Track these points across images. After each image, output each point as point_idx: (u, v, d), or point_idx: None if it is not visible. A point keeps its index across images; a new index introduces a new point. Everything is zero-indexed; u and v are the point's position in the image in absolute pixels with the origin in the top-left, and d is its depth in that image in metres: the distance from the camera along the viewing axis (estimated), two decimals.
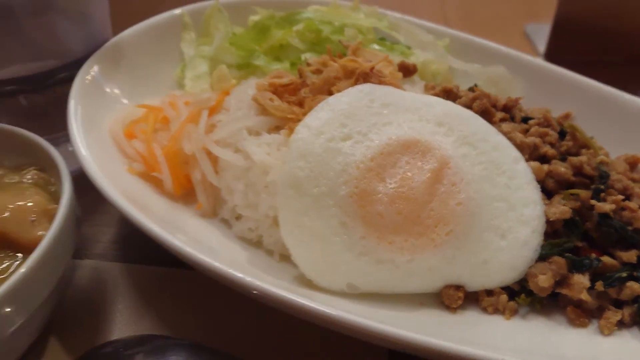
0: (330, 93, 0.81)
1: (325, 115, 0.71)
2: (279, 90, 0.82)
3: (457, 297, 0.69)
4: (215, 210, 0.81)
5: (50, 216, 0.69)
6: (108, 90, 0.89)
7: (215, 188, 0.79)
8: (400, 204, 0.66)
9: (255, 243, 0.77)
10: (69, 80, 0.88)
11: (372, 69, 0.78)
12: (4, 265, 0.64)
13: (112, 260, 0.81)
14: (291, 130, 0.75)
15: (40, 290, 0.63)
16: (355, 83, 0.78)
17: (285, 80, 0.83)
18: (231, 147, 0.79)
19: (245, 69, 0.93)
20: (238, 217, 0.78)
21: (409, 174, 0.67)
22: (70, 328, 0.73)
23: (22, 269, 0.59)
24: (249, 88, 0.86)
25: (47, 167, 0.79)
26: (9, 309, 0.59)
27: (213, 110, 0.85)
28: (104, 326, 0.74)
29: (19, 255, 0.66)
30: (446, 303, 0.69)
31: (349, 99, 0.73)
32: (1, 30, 0.82)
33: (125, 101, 0.91)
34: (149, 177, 0.80)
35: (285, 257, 0.75)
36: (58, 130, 0.94)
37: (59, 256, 0.65)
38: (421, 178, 0.67)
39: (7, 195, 0.70)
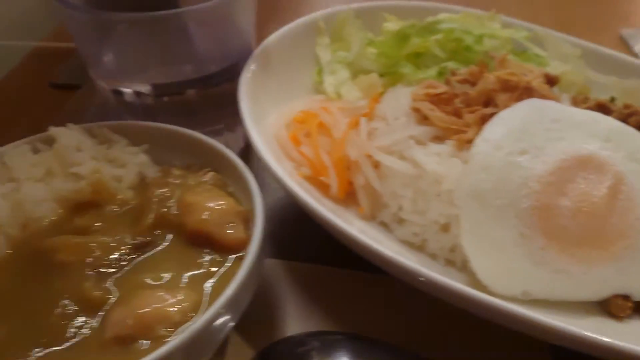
0: (486, 105, 0.84)
1: (501, 130, 0.75)
2: (433, 101, 0.86)
3: (626, 307, 0.72)
4: (374, 213, 0.85)
5: (242, 218, 0.74)
6: (262, 94, 0.94)
7: (376, 193, 0.84)
8: (582, 219, 0.69)
9: (417, 247, 0.81)
10: (224, 82, 0.94)
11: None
12: (210, 268, 0.69)
13: (278, 258, 0.86)
14: (460, 142, 0.78)
15: (250, 292, 0.67)
16: (520, 97, 0.81)
17: (439, 91, 0.86)
18: (394, 155, 0.82)
19: (388, 76, 0.97)
20: (400, 222, 0.82)
21: (587, 189, 0.71)
22: (248, 325, 0.78)
23: (241, 274, 0.63)
24: (401, 96, 0.89)
25: (219, 168, 0.84)
26: (228, 316, 0.63)
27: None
28: (279, 323, 0.79)
29: (215, 255, 0.71)
30: (613, 312, 0.73)
31: (521, 113, 0.76)
32: (176, 40, 0.87)
33: (273, 104, 0.96)
34: (314, 180, 0.84)
35: (449, 262, 0.79)
36: (207, 126, 1.00)
37: (261, 257, 0.70)
38: (600, 193, 0.70)
39: (201, 197, 0.74)
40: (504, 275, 0.72)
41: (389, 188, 0.82)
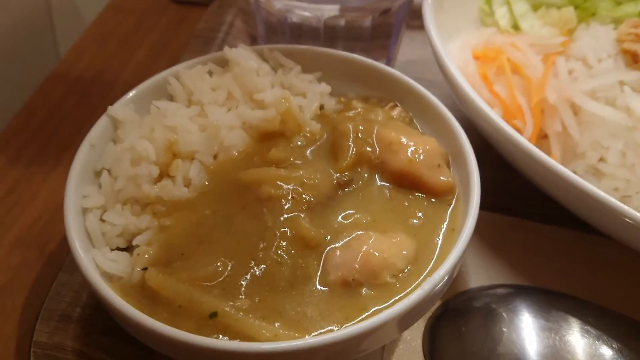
0: None
1: None
2: None
3: None
4: (565, 163, 0.78)
5: (446, 160, 0.69)
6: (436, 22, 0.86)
7: (571, 141, 0.77)
8: None
9: None
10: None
11: None
12: (420, 214, 0.64)
13: None
14: None
15: (467, 250, 0.60)
16: None
17: None
18: (599, 101, 0.75)
19: (578, 11, 0.87)
20: (597, 174, 0.76)
21: None
22: None
23: (466, 231, 0.58)
24: (601, 35, 0.80)
25: (402, 103, 0.77)
26: (449, 276, 0.57)
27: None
28: (463, 273, 0.75)
29: (424, 199, 0.66)
30: None
31: None
32: None
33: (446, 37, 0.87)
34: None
35: None
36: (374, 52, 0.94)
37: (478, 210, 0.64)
38: None
39: (401, 134, 0.68)
40: None
41: (589, 137, 0.75)
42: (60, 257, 0.77)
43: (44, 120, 1.00)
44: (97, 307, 0.68)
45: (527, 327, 0.69)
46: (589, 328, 0.69)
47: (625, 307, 0.71)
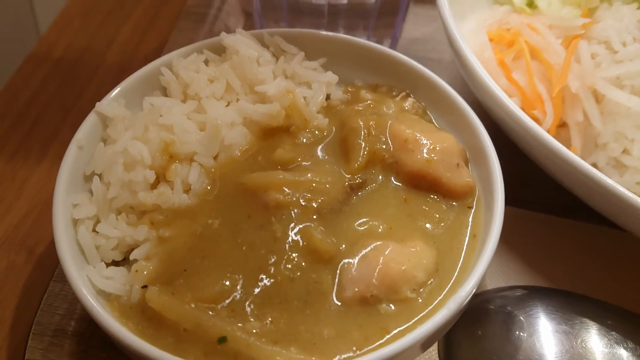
0: None
1: None
2: None
3: None
4: (585, 155, 0.74)
5: (464, 157, 0.64)
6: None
7: (593, 131, 0.72)
8: None
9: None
10: None
11: None
12: (438, 219, 0.60)
13: None
14: None
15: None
16: None
17: None
18: (625, 90, 0.70)
19: None
20: (619, 167, 0.72)
21: None
22: None
23: (491, 242, 0.54)
24: (625, 16, 0.75)
25: (414, 91, 0.72)
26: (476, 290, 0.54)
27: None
28: None
29: (442, 202, 0.62)
30: None
31: None
32: None
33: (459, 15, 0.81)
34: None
35: None
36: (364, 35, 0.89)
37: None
38: None
39: (415, 130, 0.64)
40: None
41: (612, 128, 0.71)
42: (51, 261, 0.72)
43: (26, 106, 0.93)
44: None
45: (545, 332, 0.65)
46: (611, 332, 0.66)
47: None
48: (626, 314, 0.68)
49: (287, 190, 0.58)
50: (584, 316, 0.67)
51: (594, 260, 0.73)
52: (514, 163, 0.75)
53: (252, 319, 0.51)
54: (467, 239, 0.58)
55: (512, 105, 0.66)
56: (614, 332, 0.66)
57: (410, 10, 0.96)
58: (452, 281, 0.54)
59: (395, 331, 0.51)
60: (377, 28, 0.92)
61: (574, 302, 0.70)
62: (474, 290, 0.52)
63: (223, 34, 0.71)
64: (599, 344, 0.64)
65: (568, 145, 0.73)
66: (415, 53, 0.96)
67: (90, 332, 0.64)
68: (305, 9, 0.90)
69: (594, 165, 0.74)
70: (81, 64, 1.00)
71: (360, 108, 0.68)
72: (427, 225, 0.59)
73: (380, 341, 0.50)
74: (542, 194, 0.78)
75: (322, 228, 0.56)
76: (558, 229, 0.75)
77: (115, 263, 0.58)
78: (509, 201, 0.75)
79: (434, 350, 0.66)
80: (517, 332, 0.66)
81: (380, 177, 0.62)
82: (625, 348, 0.64)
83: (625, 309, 0.68)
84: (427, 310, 0.52)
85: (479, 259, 0.53)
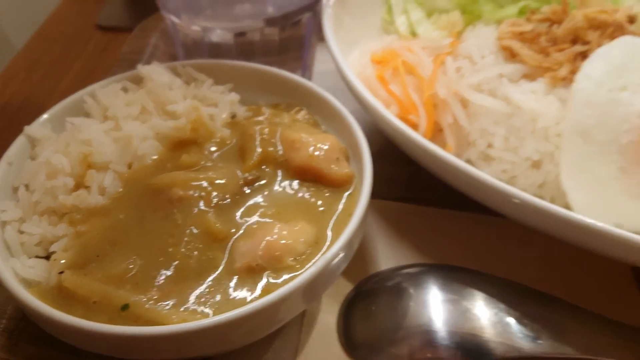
0: (573, 43, 0.84)
1: (601, 67, 0.75)
2: (519, 39, 0.85)
3: None
4: (460, 152, 0.86)
5: (345, 154, 0.75)
6: (338, 34, 0.93)
7: (463, 131, 0.84)
8: None
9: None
10: (289, 27, 0.95)
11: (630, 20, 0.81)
12: (320, 203, 0.70)
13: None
14: (554, 80, 0.79)
15: (363, 228, 0.68)
16: (612, 35, 0.81)
17: (525, 29, 0.86)
18: (484, 93, 0.83)
19: (466, 14, 0.96)
20: (487, 159, 0.83)
21: None
22: None
23: (357, 212, 0.64)
24: (484, 35, 0.89)
25: (308, 106, 0.84)
26: (345, 253, 0.63)
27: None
28: (373, 258, 0.81)
29: (324, 191, 0.72)
30: None
31: (619, 50, 0.77)
32: None
33: (348, 45, 0.95)
34: (402, 119, 0.84)
35: (538, 198, 0.81)
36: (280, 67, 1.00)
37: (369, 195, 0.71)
38: None
39: (303, 134, 0.75)
40: (600, 208, 0.74)
41: (478, 126, 0.83)
42: None
43: None
44: (23, 318, 0.71)
45: (435, 301, 0.74)
46: (489, 297, 0.75)
47: (521, 278, 0.78)
48: (502, 281, 0.77)
49: (188, 185, 0.68)
50: (471, 286, 0.76)
51: (474, 241, 0.83)
52: (407, 169, 0.88)
53: (153, 290, 0.59)
54: (342, 216, 0.68)
55: (386, 112, 0.77)
56: (492, 297, 0.75)
57: (324, 47, 1.09)
58: (324, 248, 0.64)
59: (277, 291, 0.59)
60: (287, 61, 1.04)
61: (464, 276, 0.78)
62: (344, 251, 0.61)
63: (139, 66, 0.82)
64: (480, 307, 0.73)
65: (445, 145, 0.85)
66: (328, 83, 1.07)
67: (20, 329, 0.70)
68: (224, 52, 1.01)
69: (469, 160, 0.86)
70: (24, 110, 1.10)
71: (258, 119, 0.79)
72: (311, 209, 0.69)
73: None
74: (430, 192, 0.89)
75: (217, 215, 0.66)
76: (444, 218, 0.86)
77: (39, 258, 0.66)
78: (404, 199, 0.87)
79: (334, 326, 0.74)
80: (407, 303, 0.74)
81: (272, 173, 0.73)
82: (501, 309, 0.73)
83: (507, 280, 0.76)
84: (302, 271, 0.61)
85: (347, 227, 0.62)
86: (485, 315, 0.73)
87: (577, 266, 0.79)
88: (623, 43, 0.78)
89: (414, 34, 0.98)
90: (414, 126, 0.85)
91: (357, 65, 0.90)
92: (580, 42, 0.84)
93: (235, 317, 0.55)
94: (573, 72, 0.79)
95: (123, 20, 1.33)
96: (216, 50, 1.01)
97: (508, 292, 0.76)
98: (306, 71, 1.09)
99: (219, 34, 0.96)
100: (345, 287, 0.78)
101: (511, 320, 0.72)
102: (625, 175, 0.73)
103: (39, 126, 0.75)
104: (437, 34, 0.93)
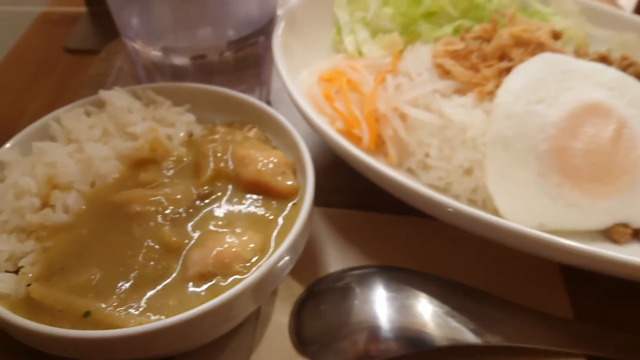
0: (500, 60, 0.93)
1: (520, 82, 0.84)
2: (452, 57, 0.94)
3: (626, 233, 0.83)
4: (402, 162, 0.94)
5: (291, 168, 0.82)
6: (289, 54, 1.00)
7: (403, 142, 0.92)
8: (592, 158, 0.79)
9: (442, 190, 0.90)
10: (247, 47, 1.01)
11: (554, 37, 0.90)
12: (268, 213, 0.77)
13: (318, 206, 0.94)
14: (481, 94, 0.87)
15: (306, 234, 0.75)
16: (533, 52, 0.89)
17: (458, 47, 0.94)
18: (420, 108, 0.91)
19: (406, 35, 1.04)
20: (426, 168, 0.91)
21: (595, 132, 0.80)
22: (296, 265, 0.86)
23: (300, 218, 0.71)
24: (421, 53, 0.97)
25: (260, 124, 0.91)
26: (289, 257, 0.70)
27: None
28: (322, 262, 0.88)
29: (272, 202, 0.79)
30: (615, 238, 0.84)
31: (537, 66, 0.85)
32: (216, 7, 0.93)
33: (299, 65, 1.02)
34: (346, 134, 0.92)
35: (472, 202, 0.89)
36: (239, 85, 1.07)
37: (313, 204, 0.78)
38: (606, 135, 0.80)
39: (252, 150, 0.82)
40: (523, 210, 0.82)
41: (415, 138, 0.91)
42: None
43: None
44: None
45: (377, 298, 0.81)
46: (427, 294, 0.82)
47: (455, 275, 0.85)
48: (443, 280, 0.84)
49: (145, 201, 0.74)
50: (411, 285, 0.83)
51: (416, 243, 0.90)
52: (352, 179, 0.94)
53: (113, 297, 0.66)
54: (287, 224, 0.74)
55: (328, 128, 0.84)
56: (431, 294, 0.82)
57: None
58: (269, 254, 0.71)
59: (225, 293, 0.66)
60: (245, 79, 1.11)
61: (405, 275, 0.84)
62: (288, 255, 0.68)
63: (101, 91, 0.89)
64: (420, 303, 0.79)
65: (387, 155, 0.93)
66: (286, 98, 1.13)
67: None
68: (184, 74, 1.08)
69: (409, 169, 0.93)
70: None
71: (213, 137, 0.86)
72: (259, 220, 0.76)
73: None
74: (379, 200, 0.96)
75: (172, 227, 0.73)
76: (387, 223, 0.93)
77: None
78: (351, 206, 0.94)
79: (286, 326, 0.81)
80: (353, 302, 0.81)
81: (224, 187, 0.79)
82: (439, 304, 0.80)
83: (443, 277, 0.83)
84: (248, 275, 0.68)
85: (290, 233, 0.70)
86: (423, 309, 0.80)
87: (507, 263, 0.87)
88: (542, 59, 0.87)
89: (360, 53, 1.05)
90: (359, 139, 0.92)
91: (305, 85, 0.97)
92: (506, 59, 0.92)
93: (188, 318, 0.61)
94: (498, 86, 0.87)
95: (90, 43, 1.39)
96: (177, 72, 1.08)
97: (443, 289, 0.83)
98: (264, 87, 1.16)
99: (179, 57, 1.03)
100: (297, 289, 0.84)
101: (446, 313, 0.80)
102: (544, 179, 0.81)
103: (7, 151, 0.81)
104: (379, 53, 1.00)
